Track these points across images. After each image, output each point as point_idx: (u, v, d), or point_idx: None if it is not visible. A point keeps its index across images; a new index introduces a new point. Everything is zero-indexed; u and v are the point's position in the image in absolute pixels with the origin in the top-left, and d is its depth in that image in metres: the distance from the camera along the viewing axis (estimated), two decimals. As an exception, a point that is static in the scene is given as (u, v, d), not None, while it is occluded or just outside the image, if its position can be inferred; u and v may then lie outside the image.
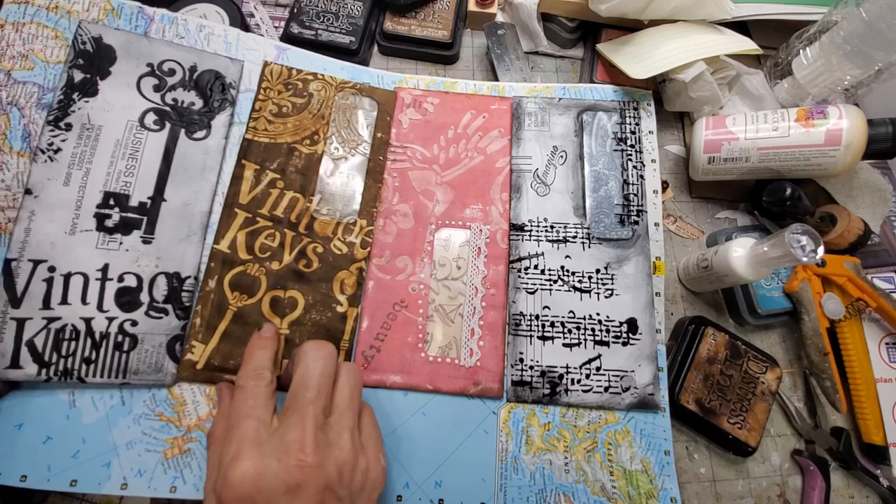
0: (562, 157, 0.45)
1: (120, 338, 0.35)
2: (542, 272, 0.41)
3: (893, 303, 0.41)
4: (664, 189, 0.48)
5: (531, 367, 0.39)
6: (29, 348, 0.33)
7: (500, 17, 0.53)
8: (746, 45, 0.45)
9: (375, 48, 0.52)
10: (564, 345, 0.39)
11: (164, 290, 0.36)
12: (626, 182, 0.44)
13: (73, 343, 0.34)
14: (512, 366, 0.39)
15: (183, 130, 0.40)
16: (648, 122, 0.46)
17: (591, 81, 0.49)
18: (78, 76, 0.38)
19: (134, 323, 0.35)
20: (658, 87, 0.48)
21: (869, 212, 0.45)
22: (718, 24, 0.48)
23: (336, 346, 0.38)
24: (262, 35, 0.49)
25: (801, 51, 0.46)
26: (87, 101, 0.38)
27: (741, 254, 0.38)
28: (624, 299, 0.41)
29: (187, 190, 0.39)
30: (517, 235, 0.42)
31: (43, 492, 0.33)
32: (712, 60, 0.44)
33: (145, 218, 0.37)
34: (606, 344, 0.39)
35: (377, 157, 0.43)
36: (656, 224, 0.43)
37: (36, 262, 0.34)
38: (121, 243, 0.36)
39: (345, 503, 0.26)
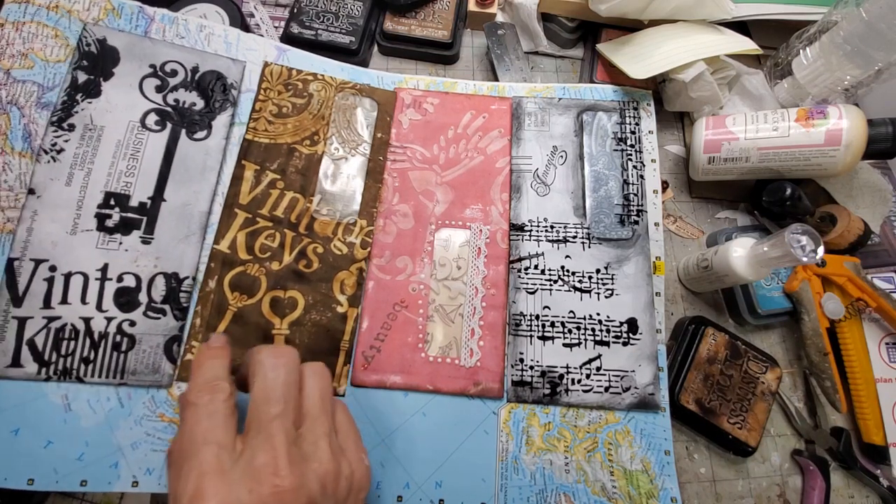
0: (562, 157, 0.45)
1: (118, 338, 0.35)
2: (543, 272, 0.41)
3: (893, 303, 0.41)
4: (664, 189, 0.48)
5: (531, 368, 0.39)
6: (29, 347, 0.33)
7: (500, 17, 0.53)
8: (746, 45, 0.45)
9: (375, 48, 0.52)
10: (565, 345, 0.39)
11: (162, 291, 0.36)
12: (626, 182, 0.44)
13: (72, 342, 0.34)
14: (512, 366, 0.39)
15: (184, 131, 0.40)
16: (648, 122, 0.46)
17: (591, 81, 0.49)
18: (81, 77, 0.38)
19: (132, 323, 0.35)
20: (658, 87, 0.48)
21: (869, 212, 0.45)
22: (718, 24, 0.48)
23: (336, 346, 0.38)
24: (262, 35, 0.49)
25: (801, 51, 0.46)
26: (90, 102, 0.38)
27: (741, 254, 0.38)
28: (624, 299, 0.41)
29: (187, 190, 0.39)
30: (517, 235, 0.42)
31: (42, 491, 0.34)
32: (712, 60, 0.44)
33: (145, 218, 0.37)
34: (607, 344, 0.39)
35: (377, 158, 0.43)
36: (656, 224, 0.43)
37: (37, 262, 0.34)
38: (120, 243, 0.36)
39: None
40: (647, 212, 0.43)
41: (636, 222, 0.43)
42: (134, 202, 0.37)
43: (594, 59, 0.50)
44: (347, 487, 0.25)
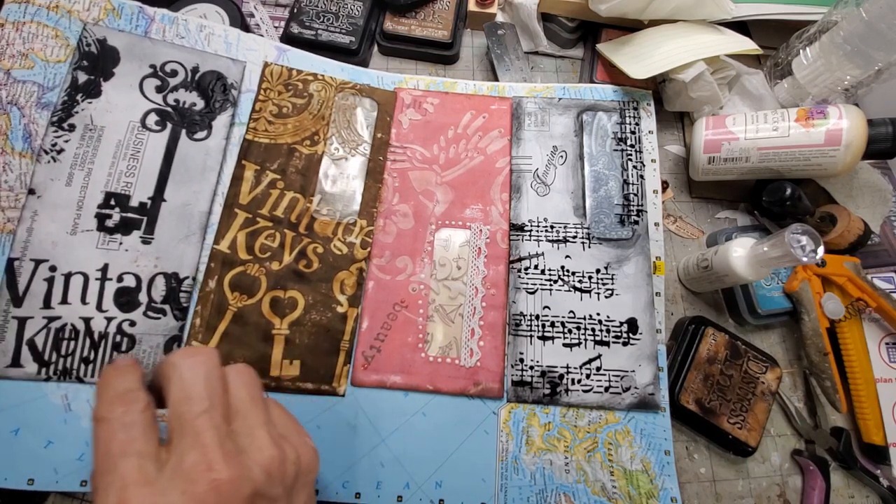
0: (562, 157, 0.45)
1: (118, 338, 0.35)
2: (543, 272, 0.41)
3: (893, 303, 0.41)
4: (664, 189, 0.48)
5: (531, 367, 0.39)
6: (30, 347, 0.33)
7: (500, 17, 0.53)
8: (746, 45, 0.45)
9: (375, 48, 0.52)
10: (565, 345, 0.39)
11: (162, 291, 0.36)
12: (626, 182, 0.44)
13: (72, 342, 0.34)
14: (512, 366, 0.39)
15: (184, 131, 0.40)
16: (648, 122, 0.46)
17: (591, 81, 0.49)
18: (82, 77, 0.38)
19: (132, 323, 0.35)
20: (658, 87, 0.48)
21: (869, 212, 0.45)
22: (718, 24, 0.48)
23: (336, 346, 0.38)
24: (262, 35, 0.49)
25: (801, 51, 0.46)
26: (90, 103, 0.38)
27: (741, 254, 0.38)
28: (624, 299, 0.41)
29: (187, 190, 0.39)
30: (517, 235, 0.42)
31: (42, 491, 0.34)
32: (712, 60, 0.44)
33: (145, 218, 0.37)
34: (607, 344, 0.39)
35: (377, 158, 0.43)
36: (656, 224, 0.43)
37: (38, 262, 0.34)
38: (120, 243, 0.36)
39: (281, 501, 0.22)
40: (647, 212, 0.43)
41: (636, 222, 0.43)
42: (134, 202, 0.37)
43: (594, 59, 0.50)
44: (295, 471, 0.23)
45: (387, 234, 0.42)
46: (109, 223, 0.36)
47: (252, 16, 0.50)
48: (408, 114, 0.45)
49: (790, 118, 0.41)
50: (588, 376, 0.39)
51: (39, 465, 0.32)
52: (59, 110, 0.37)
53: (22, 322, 0.34)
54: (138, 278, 0.36)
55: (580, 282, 0.41)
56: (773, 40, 0.51)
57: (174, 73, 0.40)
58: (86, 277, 0.35)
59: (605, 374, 0.39)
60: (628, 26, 0.50)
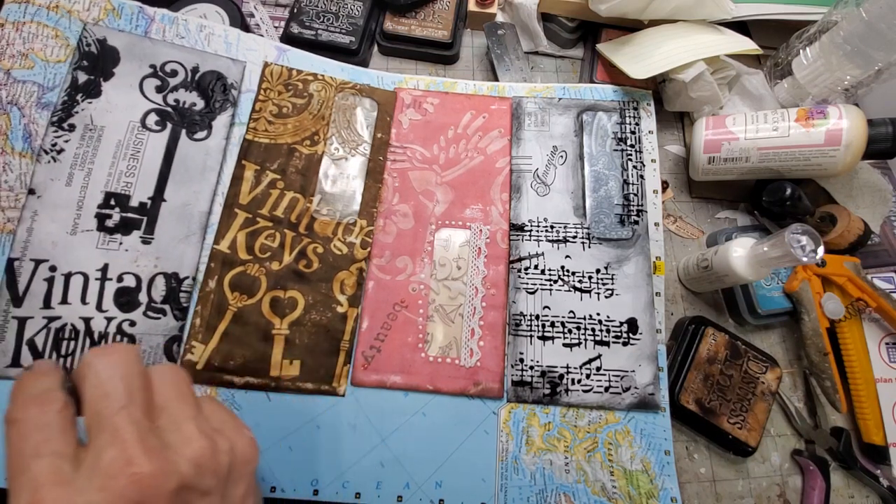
0: (562, 157, 0.45)
1: (118, 338, 0.35)
2: (543, 272, 0.41)
3: (893, 303, 0.41)
4: (664, 189, 0.48)
5: (531, 367, 0.39)
6: (29, 347, 0.33)
7: (500, 17, 0.53)
8: (746, 45, 0.45)
9: (375, 48, 0.52)
10: (565, 345, 0.39)
11: (162, 291, 0.36)
12: (626, 182, 0.44)
13: (72, 342, 0.34)
14: (512, 366, 0.39)
15: (184, 131, 0.40)
16: (648, 122, 0.46)
17: (591, 81, 0.49)
18: (82, 77, 0.38)
19: (132, 323, 0.35)
20: (658, 87, 0.48)
21: (869, 212, 0.45)
22: (718, 24, 0.48)
23: (336, 346, 0.38)
24: (262, 35, 0.49)
25: (801, 51, 0.46)
26: (90, 103, 0.38)
27: (741, 254, 0.38)
28: (624, 299, 0.41)
29: (187, 190, 0.39)
30: (517, 235, 0.42)
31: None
32: (712, 60, 0.44)
33: (145, 218, 0.37)
34: (607, 344, 0.39)
35: (377, 158, 0.43)
36: (656, 224, 0.43)
37: (38, 262, 0.34)
38: (121, 243, 0.36)
39: (214, 494, 0.21)
40: (647, 212, 0.43)
41: (636, 222, 0.43)
42: (134, 202, 0.37)
43: (594, 59, 0.50)
44: (229, 462, 0.22)
45: (387, 234, 0.42)
46: (109, 223, 0.36)
47: (252, 16, 0.50)
48: (408, 114, 0.45)
49: (790, 118, 0.41)
50: (588, 376, 0.39)
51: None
52: (59, 110, 0.37)
53: (22, 322, 0.34)
54: (138, 278, 0.36)
55: (580, 282, 0.41)
56: (773, 40, 0.51)
57: (174, 73, 0.40)
58: (86, 277, 0.35)
59: (605, 374, 0.39)
60: (628, 26, 0.50)
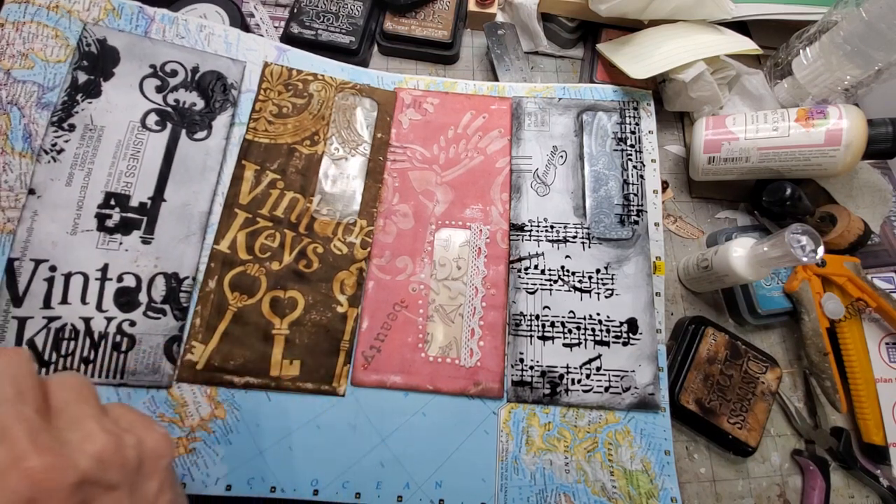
0: (562, 157, 0.45)
1: (118, 338, 0.35)
2: (543, 272, 0.41)
3: (893, 303, 0.41)
4: (664, 189, 0.48)
5: (531, 367, 0.39)
6: (30, 347, 0.33)
7: (500, 17, 0.53)
8: (746, 45, 0.45)
9: (375, 48, 0.52)
10: (565, 345, 0.39)
11: (162, 291, 0.36)
12: (626, 182, 0.44)
13: (72, 343, 0.34)
14: (512, 366, 0.39)
15: (184, 131, 0.40)
16: (648, 122, 0.46)
17: (591, 81, 0.49)
18: (82, 77, 0.38)
19: (132, 323, 0.35)
20: (658, 87, 0.48)
21: (869, 212, 0.45)
22: (718, 24, 0.48)
23: (336, 346, 0.38)
24: (262, 35, 0.49)
25: (801, 51, 0.46)
26: (90, 103, 0.38)
27: (741, 254, 0.38)
28: (624, 299, 0.41)
29: (187, 190, 0.39)
30: (517, 235, 0.42)
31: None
32: (712, 60, 0.44)
33: (145, 218, 0.37)
34: (607, 344, 0.39)
35: (377, 158, 0.43)
36: (656, 224, 0.43)
37: (37, 262, 0.34)
38: (121, 243, 0.36)
39: (122, 488, 0.21)
40: (647, 212, 0.43)
41: (636, 222, 0.43)
42: (134, 202, 0.37)
43: (594, 59, 0.50)
44: (137, 456, 0.22)
45: (387, 234, 0.42)
46: (109, 223, 0.36)
47: (252, 16, 0.50)
48: (408, 114, 0.45)
49: (790, 118, 0.41)
50: (588, 376, 0.39)
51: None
52: (59, 110, 0.37)
53: (22, 322, 0.34)
54: (138, 278, 0.36)
55: (580, 282, 0.41)
56: (773, 40, 0.51)
57: (174, 73, 0.40)
58: (86, 277, 0.35)
59: (605, 374, 0.39)
60: (628, 26, 0.50)
